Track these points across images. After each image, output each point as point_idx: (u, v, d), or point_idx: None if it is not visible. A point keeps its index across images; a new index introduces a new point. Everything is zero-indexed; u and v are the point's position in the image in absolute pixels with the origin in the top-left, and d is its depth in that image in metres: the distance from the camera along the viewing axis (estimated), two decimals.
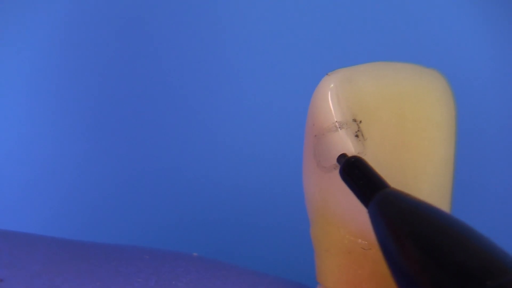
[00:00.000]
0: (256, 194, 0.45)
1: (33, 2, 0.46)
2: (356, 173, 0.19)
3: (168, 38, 0.48)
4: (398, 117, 0.24)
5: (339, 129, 0.23)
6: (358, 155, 0.23)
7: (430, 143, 0.24)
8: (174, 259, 0.30)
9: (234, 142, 0.46)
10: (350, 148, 0.23)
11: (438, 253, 0.15)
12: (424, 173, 0.24)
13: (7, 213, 0.45)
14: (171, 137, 0.47)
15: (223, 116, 0.47)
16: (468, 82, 0.45)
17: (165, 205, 0.46)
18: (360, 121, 0.23)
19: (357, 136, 0.23)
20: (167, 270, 0.28)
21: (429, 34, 0.46)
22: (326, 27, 0.47)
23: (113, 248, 0.30)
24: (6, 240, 0.27)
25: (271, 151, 0.45)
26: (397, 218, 0.17)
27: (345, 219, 0.24)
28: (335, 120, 0.23)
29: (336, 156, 0.23)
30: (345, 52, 0.46)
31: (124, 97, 0.47)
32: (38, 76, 0.47)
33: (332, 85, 0.24)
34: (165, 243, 0.41)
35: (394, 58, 0.26)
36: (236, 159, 0.46)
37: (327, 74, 0.24)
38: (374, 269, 0.24)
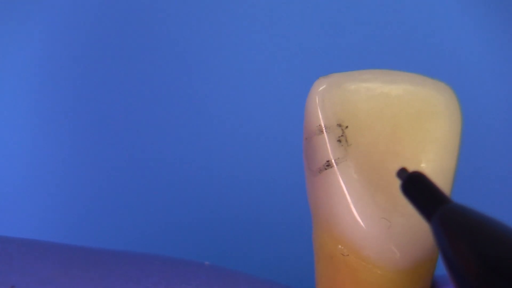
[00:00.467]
0: (269, 201, 0.45)
1: (29, 3, 0.48)
2: (418, 188, 0.19)
3: (165, 39, 0.48)
4: (392, 126, 0.23)
5: (321, 132, 0.23)
6: (338, 160, 0.23)
7: (425, 156, 0.23)
8: (184, 266, 0.30)
9: (240, 148, 0.46)
10: (331, 153, 0.23)
11: (505, 272, 0.15)
12: None
13: (12, 218, 0.47)
14: (178, 144, 0.47)
15: (227, 118, 0.47)
16: (470, 87, 0.43)
17: (175, 212, 0.46)
18: (347, 127, 0.23)
19: (339, 141, 0.23)
20: (176, 275, 0.29)
21: (436, 44, 0.45)
22: (334, 31, 0.46)
23: (124, 254, 0.31)
24: (18, 247, 0.28)
25: (279, 155, 0.45)
26: (459, 234, 0.16)
27: (328, 223, 0.24)
28: (319, 123, 0.23)
29: (320, 159, 0.23)
30: (353, 56, 0.45)
31: (123, 98, 0.48)
32: (37, 76, 0.48)
33: (321, 88, 0.24)
34: (175, 253, 0.41)
35: (405, 68, 0.25)
36: (245, 165, 0.46)
37: (319, 78, 0.24)
38: (352, 275, 0.23)
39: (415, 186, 0.19)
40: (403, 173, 0.20)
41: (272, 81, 0.47)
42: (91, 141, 0.48)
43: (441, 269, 0.20)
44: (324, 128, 0.23)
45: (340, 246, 0.23)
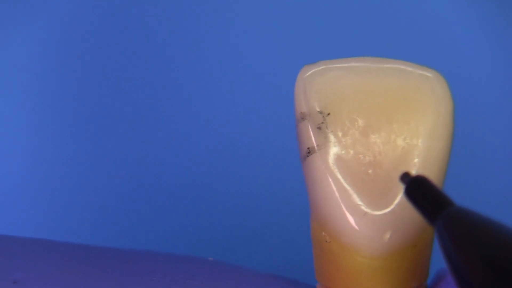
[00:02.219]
0: (270, 194, 0.45)
1: (30, 4, 0.48)
2: (421, 192, 0.18)
3: (162, 40, 0.48)
4: (378, 114, 0.23)
5: (303, 119, 0.23)
6: (318, 147, 0.23)
7: (409, 144, 0.23)
8: (188, 261, 0.30)
9: (241, 146, 0.46)
10: (310, 140, 0.23)
11: (510, 275, 0.14)
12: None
13: (13, 218, 0.47)
14: (179, 143, 0.47)
15: (228, 116, 0.47)
16: (465, 82, 0.42)
17: (177, 209, 0.46)
18: (328, 114, 0.23)
19: (319, 128, 0.23)
20: (181, 271, 0.29)
21: (429, 34, 0.44)
22: (327, 23, 0.46)
23: (127, 251, 0.31)
24: (20, 245, 0.28)
25: (281, 147, 0.45)
26: (463, 237, 0.16)
27: (313, 210, 0.24)
28: (301, 110, 0.23)
29: (303, 146, 0.23)
30: (346, 47, 0.45)
31: (124, 98, 0.48)
32: (37, 76, 0.49)
33: (305, 76, 0.24)
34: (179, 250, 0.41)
35: (397, 56, 0.25)
36: (246, 163, 0.46)
37: (304, 65, 0.24)
38: (335, 262, 0.23)
39: (418, 190, 0.19)
40: (406, 177, 0.20)
41: (264, 73, 0.47)
42: (94, 141, 0.49)
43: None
44: (305, 115, 0.23)
45: (323, 233, 0.23)
